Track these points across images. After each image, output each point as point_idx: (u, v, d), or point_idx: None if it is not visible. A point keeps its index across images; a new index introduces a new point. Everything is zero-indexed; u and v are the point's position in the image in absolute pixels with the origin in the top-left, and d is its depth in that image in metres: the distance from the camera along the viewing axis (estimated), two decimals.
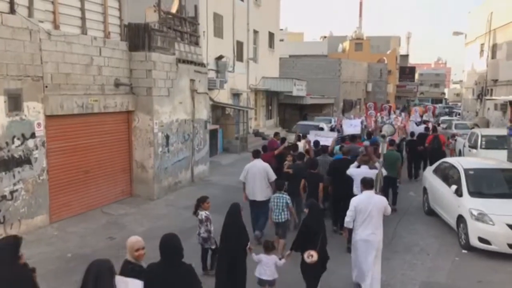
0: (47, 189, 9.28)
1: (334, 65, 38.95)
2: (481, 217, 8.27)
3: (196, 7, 15.88)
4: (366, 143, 12.74)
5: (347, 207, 6.68)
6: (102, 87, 10.73)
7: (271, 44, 28.84)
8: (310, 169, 9.16)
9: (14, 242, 4.17)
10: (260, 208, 8.83)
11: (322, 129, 18.51)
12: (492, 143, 14.58)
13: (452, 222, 9.24)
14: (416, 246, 8.79)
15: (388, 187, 10.75)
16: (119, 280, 3.67)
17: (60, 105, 9.44)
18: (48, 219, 9.30)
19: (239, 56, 23.42)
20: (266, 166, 9.00)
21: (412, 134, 16.29)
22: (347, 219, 6.61)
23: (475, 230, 8.29)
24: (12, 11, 8.33)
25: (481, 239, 8.21)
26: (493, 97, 24.56)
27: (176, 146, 12.95)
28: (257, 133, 24.59)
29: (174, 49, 12.80)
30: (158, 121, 11.91)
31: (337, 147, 11.97)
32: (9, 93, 8.29)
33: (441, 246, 8.85)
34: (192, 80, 13.75)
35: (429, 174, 11.37)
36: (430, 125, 18.32)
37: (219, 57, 20.04)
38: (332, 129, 17.32)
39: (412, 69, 65.82)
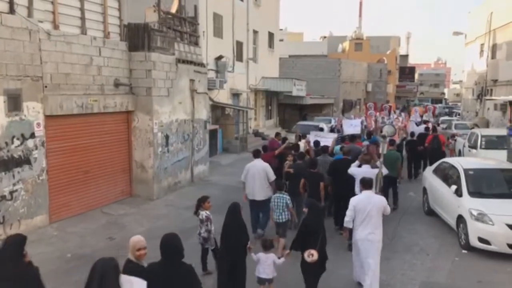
0: (47, 189, 9.27)
1: (334, 65, 38.97)
2: (481, 217, 8.27)
3: (195, 7, 15.87)
4: (366, 143, 12.76)
5: (347, 207, 6.69)
6: (101, 87, 10.73)
7: (270, 44, 28.83)
8: (310, 168, 9.17)
9: (20, 240, 4.17)
10: (260, 208, 8.85)
11: (322, 129, 18.45)
12: (492, 143, 14.58)
13: (452, 222, 9.24)
14: (416, 246, 8.79)
15: (388, 187, 10.76)
16: (124, 279, 3.61)
17: (60, 105, 9.44)
18: (47, 219, 9.30)
19: (239, 56, 23.40)
20: (266, 166, 9.01)
21: (412, 134, 16.32)
22: (347, 218, 6.63)
23: (475, 230, 8.29)
24: (11, 11, 8.33)
25: (481, 239, 8.21)
26: (493, 97, 24.51)
27: (175, 146, 12.94)
28: (256, 133, 24.58)
29: (173, 49, 12.80)
30: (158, 121, 11.91)
31: (337, 147, 11.98)
32: (8, 93, 8.28)
33: (441, 246, 8.85)
34: (191, 80, 13.75)
35: (429, 174, 11.37)
36: (430, 125, 18.34)
37: (219, 57, 20.03)
38: (332, 130, 17.32)
39: (412, 69, 65.86)
